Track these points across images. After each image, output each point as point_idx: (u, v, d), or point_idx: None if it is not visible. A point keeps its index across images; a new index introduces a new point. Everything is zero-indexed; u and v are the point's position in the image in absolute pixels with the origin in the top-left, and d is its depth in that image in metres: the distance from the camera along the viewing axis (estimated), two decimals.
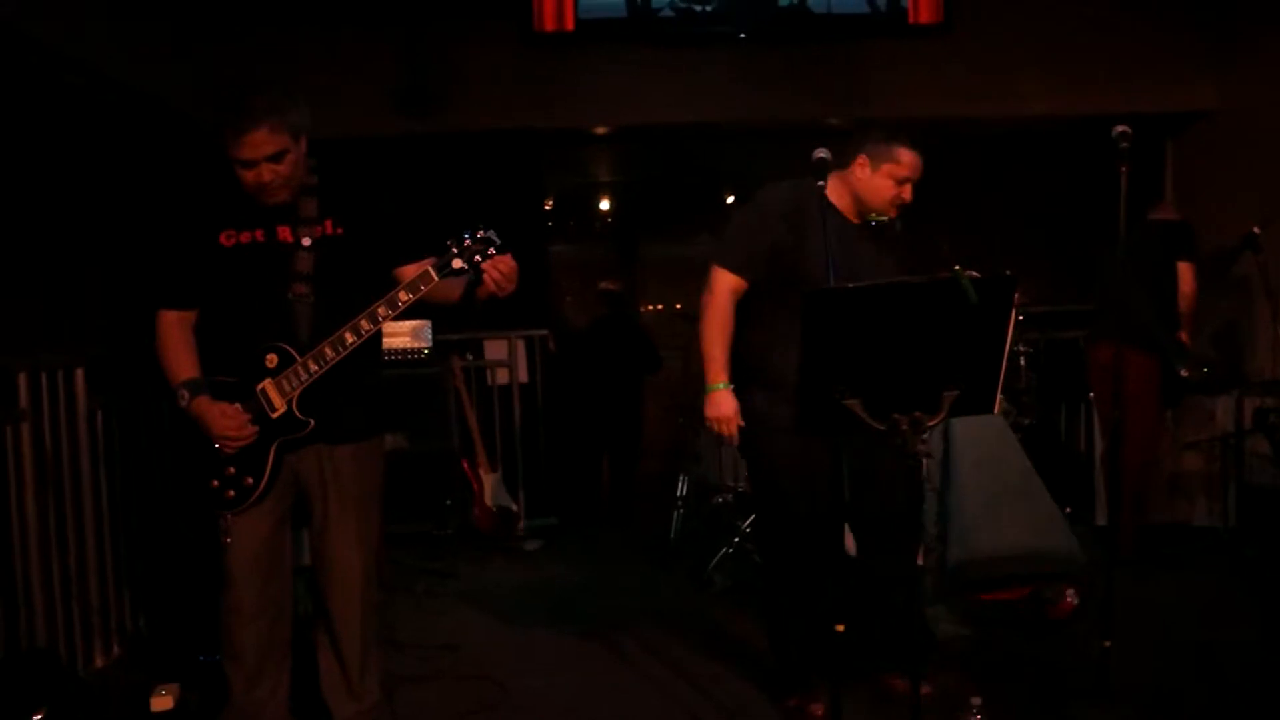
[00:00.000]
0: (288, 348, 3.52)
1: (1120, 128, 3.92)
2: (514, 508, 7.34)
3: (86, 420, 4.94)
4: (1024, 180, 8.17)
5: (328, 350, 3.48)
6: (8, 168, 5.17)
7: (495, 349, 8.03)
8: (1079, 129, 7.72)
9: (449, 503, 7.47)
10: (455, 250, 3.42)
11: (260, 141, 3.38)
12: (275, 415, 3.54)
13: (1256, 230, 5.97)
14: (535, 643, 5.30)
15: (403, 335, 7.24)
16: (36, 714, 3.80)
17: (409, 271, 3.60)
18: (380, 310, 3.46)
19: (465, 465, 7.28)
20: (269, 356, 3.53)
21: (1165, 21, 7.60)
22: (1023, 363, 6.31)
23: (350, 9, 7.39)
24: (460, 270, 3.41)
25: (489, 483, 7.25)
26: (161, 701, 4.23)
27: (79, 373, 4.89)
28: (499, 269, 3.43)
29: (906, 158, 4.03)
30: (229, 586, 3.68)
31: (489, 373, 8.05)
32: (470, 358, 7.91)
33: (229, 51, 7.14)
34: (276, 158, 3.43)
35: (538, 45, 7.38)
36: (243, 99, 3.40)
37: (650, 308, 12.88)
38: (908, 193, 4.07)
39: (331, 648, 3.87)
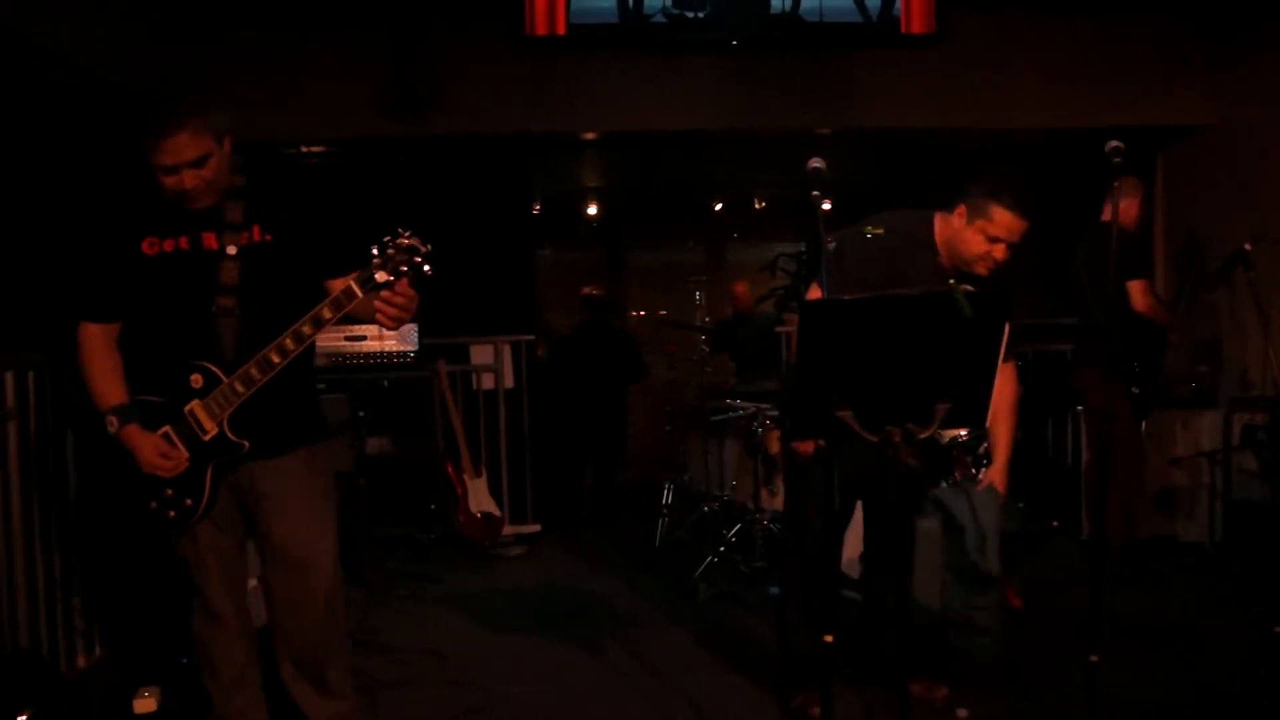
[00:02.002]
0: (213, 367, 3.38)
1: (1113, 143, 3.85)
2: (498, 513, 7.32)
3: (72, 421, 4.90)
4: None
5: (254, 371, 3.34)
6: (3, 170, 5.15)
7: (481, 353, 8.00)
8: (1070, 140, 7.75)
9: (433, 507, 7.47)
10: (378, 260, 3.19)
11: (181, 146, 3.23)
12: (207, 438, 3.42)
13: (1248, 246, 5.96)
14: (519, 648, 5.27)
15: (389, 338, 7.21)
16: (22, 714, 3.76)
17: (338, 285, 3.37)
18: (305, 329, 3.29)
19: (450, 470, 7.25)
20: (194, 376, 3.39)
21: (1158, 35, 7.62)
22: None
23: (341, 12, 7.35)
24: (386, 283, 3.19)
25: (473, 488, 7.22)
26: (145, 704, 4.18)
27: (66, 374, 4.85)
28: (394, 305, 3.21)
29: (1002, 218, 3.86)
30: (200, 594, 3.63)
31: (475, 377, 8.02)
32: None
33: (219, 52, 7.11)
34: (199, 163, 3.28)
35: (529, 49, 7.37)
36: (162, 102, 3.25)
37: (635, 313, 12.89)
38: (999, 252, 3.92)
39: (289, 658, 3.73)
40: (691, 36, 7.41)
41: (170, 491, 3.45)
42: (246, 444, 3.44)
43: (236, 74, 7.12)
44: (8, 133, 5.34)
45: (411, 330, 7.24)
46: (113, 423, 3.41)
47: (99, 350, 3.50)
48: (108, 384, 3.47)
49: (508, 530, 7.51)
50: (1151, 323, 5.88)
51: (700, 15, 7.34)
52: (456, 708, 4.39)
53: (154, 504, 3.46)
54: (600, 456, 8.77)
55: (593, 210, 12.35)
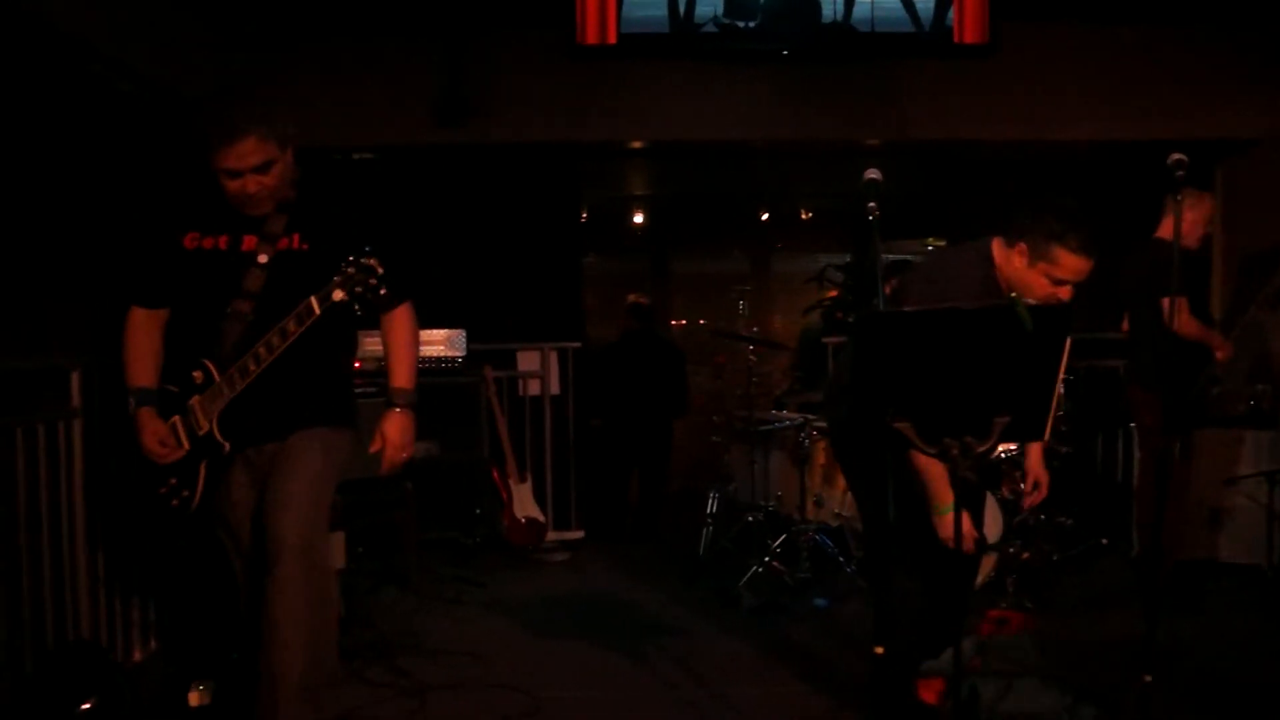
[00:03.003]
0: (210, 366, 3.50)
1: (1176, 156, 3.80)
2: (542, 519, 7.33)
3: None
4: None
5: (235, 376, 3.46)
6: (59, 173, 5.20)
7: (528, 359, 8.02)
8: (1125, 153, 7.68)
9: (478, 511, 7.48)
10: (338, 279, 3.30)
11: (248, 151, 3.31)
12: (202, 433, 3.54)
13: None
14: (563, 654, 5.28)
15: (437, 344, 7.25)
16: (85, 704, 3.81)
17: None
18: (274, 339, 3.41)
19: (495, 474, 7.27)
20: (196, 373, 3.53)
21: (1216, 46, 7.50)
22: (1061, 390, 6.24)
23: (392, 19, 7.39)
24: (341, 302, 3.30)
25: (518, 493, 7.24)
26: (199, 697, 4.24)
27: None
28: (392, 446, 3.61)
29: (1068, 262, 3.65)
30: (239, 556, 3.73)
31: (521, 383, 8.04)
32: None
33: (270, 61, 7.16)
34: (263, 168, 3.36)
35: (579, 58, 7.37)
36: (230, 106, 3.33)
37: (677, 323, 12.88)
38: (1065, 293, 3.70)
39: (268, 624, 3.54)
40: (742, 46, 7.38)
41: (174, 480, 3.57)
42: (227, 446, 3.54)
43: (288, 80, 7.15)
44: (75, 141, 5.41)
45: (459, 336, 7.28)
46: (130, 404, 3.54)
47: (138, 333, 3.62)
48: (138, 366, 3.60)
49: (551, 536, 7.53)
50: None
51: (751, 25, 7.32)
52: (500, 712, 4.40)
53: (162, 489, 3.58)
54: (646, 465, 8.74)
55: (639, 219, 12.35)
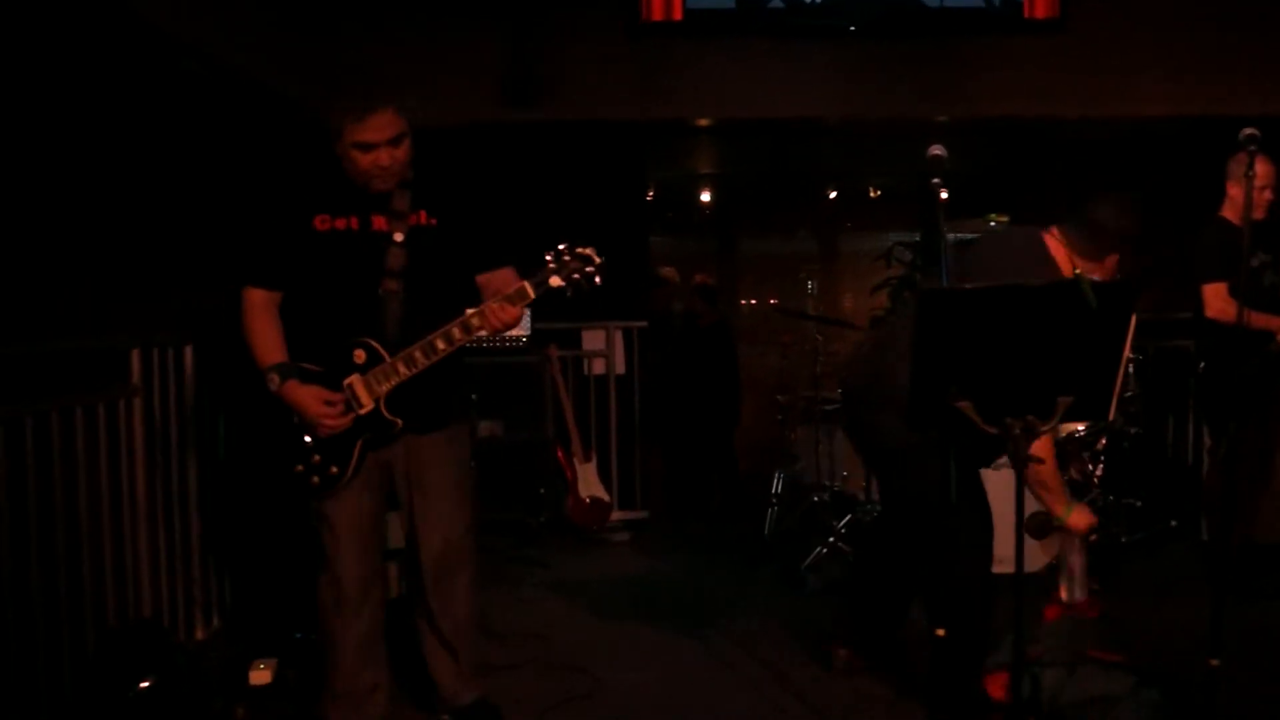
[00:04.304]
0: (377, 345, 3.54)
1: (1248, 130, 3.73)
2: (606, 499, 7.33)
3: (194, 397, 5.02)
4: (1140, 184, 7.98)
5: (418, 355, 3.50)
6: (120, 150, 5.25)
7: (593, 339, 8.01)
8: (1200, 130, 7.50)
9: (542, 491, 7.50)
10: (553, 265, 3.42)
11: (385, 124, 3.42)
12: (363, 412, 3.56)
13: None
14: (625, 634, 5.28)
15: None
16: (144, 682, 3.86)
17: (489, 280, 3.69)
18: (473, 320, 3.46)
19: (560, 454, 7.28)
20: (357, 352, 3.55)
21: None
22: (1131, 371, 6.15)
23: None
24: (558, 289, 3.41)
25: (583, 473, 7.25)
26: (260, 675, 4.29)
27: (188, 350, 5.00)
28: (502, 319, 3.45)
29: (1113, 264, 3.89)
30: (329, 567, 3.72)
31: (586, 363, 8.04)
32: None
33: (338, 39, 7.20)
34: (396, 141, 3.46)
35: (645, 35, 7.35)
36: (364, 84, 3.47)
37: (745, 302, 12.81)
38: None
39: (432, 631, 3.89)
40: (809, 22, 7.34)
41: (318, 457, 3.58)
42: (399, 422, 3.59)
43: (364, 61, 7.19)
44: (126, 117, 5.46)
45: (525, 315, 7.27)
46: (274, 379, 3.54)
47: (262, 314, 3.64)
48: (270, 345, 3.61)
49: (615, 516, 7.53)
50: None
51: (818, 1, 7.27)
52: (563, 693, 4.41)
53: (300, 467, 3.59)
54: (711, 445, 8.69)
55: (705, 197, 12.30)
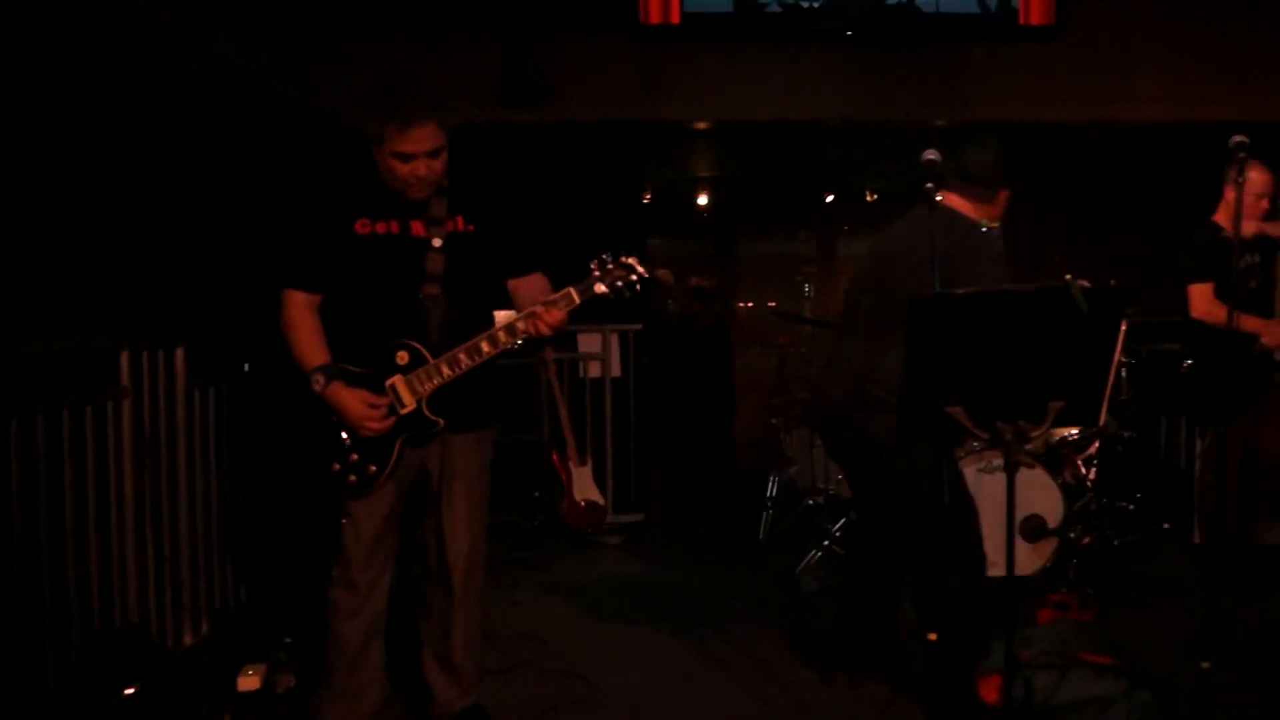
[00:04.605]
0: (420, 348, 3.57)
1: (1238, 138, 3.73)
2: (601, 502, 7.32)
3: (185, 400, 5.02)
4: (1134, 187, 8.00)
5: (462, 357, 3.53)
6: (113, 150, 5.25)
7: (589, 342, 8.01)
8: (1193, 135, 7.52)
9: (537, 494, 7.49)
10: (597, 273, 3.51)
11: (426, 136, 3.45)
12: (404, 412, 3.59)
13: None
14: (621, 638, 5.28)
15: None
16: (130, 689, 3.85)
17: (520, 285, 3.77)
18: (519, 324, 3.52)
19: (555, 457, 7.27)
20: (400, 353, 3.58)
21: None
22: (1124, 374, 6.16)
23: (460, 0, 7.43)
24: (602, 295, 3.49)
25: (578, 476, 7.24)
26: (248, 682, 4.28)
27: (179, 352, 4.98)
28: (548, 323, 3.50)
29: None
30: (345, 564, 3.75)
31: (581, 365, 8.04)
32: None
33: (337, 39, 7.21)
34: (435, 153, 3.50)
35: (643, 37, 7.36)
36: (409, 94, 3.46)
37: (743, 305, 12.82)
38: None
39: (439, 628, 3.91)
40: (807, 26, 7.35)
41: (356, 456, 3.61)
42: (441, 422, 3.62)
43: (359, 60, 7.21)
44: (124, 117, 5.46)
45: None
46: (319, 380, 3.57)
47: (303, 316, 3.67)
48: (313, 346, 3.63)
49: (610, 519, 7.52)
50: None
51: (816, 5, 7.28)
52: (559, 698, 4.41)
53: (337, 465, 3.62)
54: (706, 448, 8.71)
55: (703, 200, 12.31)
